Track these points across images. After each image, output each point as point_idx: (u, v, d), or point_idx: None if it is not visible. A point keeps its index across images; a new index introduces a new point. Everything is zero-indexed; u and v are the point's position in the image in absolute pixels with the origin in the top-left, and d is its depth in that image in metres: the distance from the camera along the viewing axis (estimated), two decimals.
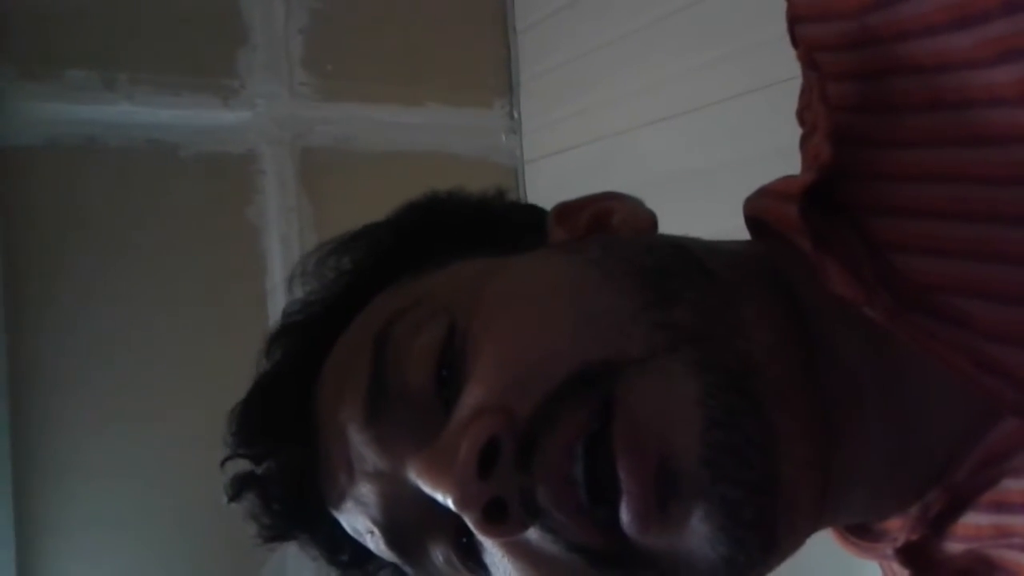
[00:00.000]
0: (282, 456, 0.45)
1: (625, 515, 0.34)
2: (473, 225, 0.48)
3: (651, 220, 0.46)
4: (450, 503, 0.36)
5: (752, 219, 0.45)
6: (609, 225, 0.46)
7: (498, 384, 0.37)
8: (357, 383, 0.41)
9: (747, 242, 0.45)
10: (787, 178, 0.43)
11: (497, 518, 0.35)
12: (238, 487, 0.46)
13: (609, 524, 0.35)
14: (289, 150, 1.85)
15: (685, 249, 0.41)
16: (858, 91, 0.40)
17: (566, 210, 0.48)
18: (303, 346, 0.47)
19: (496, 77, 2.06)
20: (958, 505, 0.40)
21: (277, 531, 0.46)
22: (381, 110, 1.91)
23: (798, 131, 0.45)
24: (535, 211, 0.51)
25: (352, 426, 0.41)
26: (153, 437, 1.66)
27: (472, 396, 0.38)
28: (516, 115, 2.05)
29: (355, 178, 1.86)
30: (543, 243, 0.46)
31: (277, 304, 1.78)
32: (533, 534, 0.36)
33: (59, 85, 1.65)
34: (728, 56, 1.55)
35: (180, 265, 1.73)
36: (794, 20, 0.42)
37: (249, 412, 0.46)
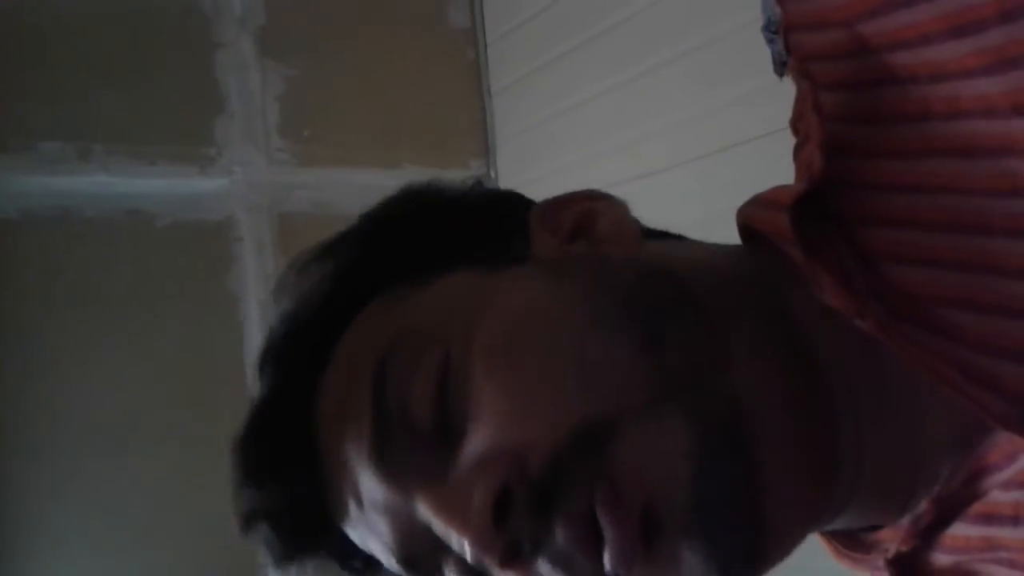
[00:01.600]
0: (288, 487, 0.45)
1: (607, 558, 0.36)
2: (454, 228, 0.47)
3: (638, 232, 0.45)
4: (467, 550, 0.37)
5: (744, 227, 0.45)
6: (594, 231, 0.46)
7: (506, 432, 0.38)
8: (359, 420, 0.41)
9: (737, 250, 0.45)
10: (779, 188, 0.43)
11: (514, 556, 0.37)
12: (248, 521, 0.46)
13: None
14: (267, 216, 1.85)
15: (673, 276, 0.42)
16: (850, 101, 0.40)
17: (548, 211, 0.47)
18: (294, 369, 0.46)
19: (472, 138, 2.08)
20: (947, 516, 0.40)
21: (292, 557, 0.46)
22: (358, 173, 1.92)
23: (792, 133, 0.45)
24: (516, 202, 0.51)
25: (359, 463, 0.41)
26: (130, 510, 1.63)
27: (480, 439, 0.39)
28: (493, 175, 2.06)
29: None
30: (528, 248, 0.45)
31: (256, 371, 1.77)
32: (542, 565, 0.38)
33: (34, 157, 1.65)
34: (706, 113, 1.57)
35: (158, 334, 1.71)
36: (789, 29, 0.42)
37: (250, 445, 0.46)
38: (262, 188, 1.85)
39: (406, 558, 0.42)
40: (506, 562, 0.37)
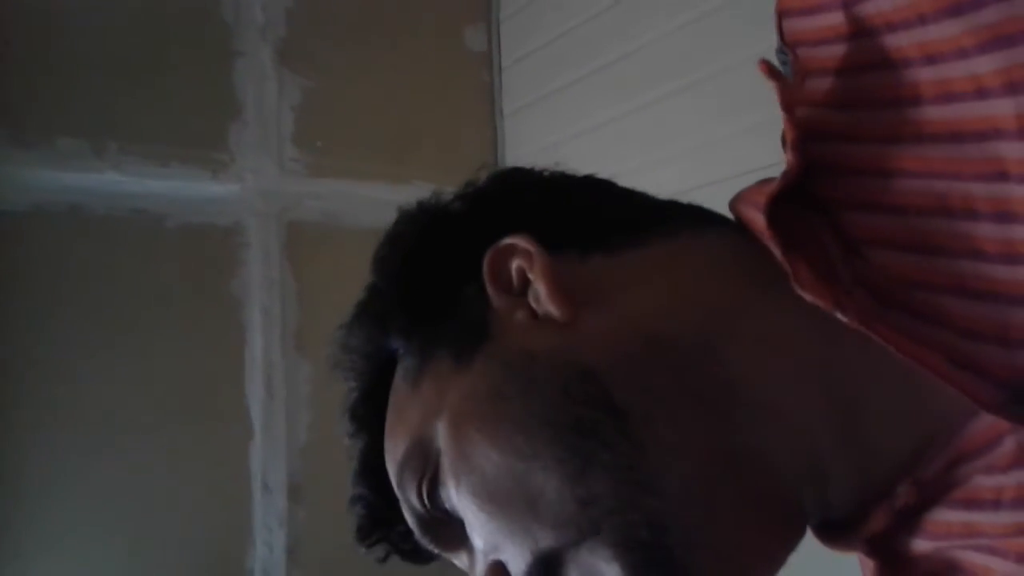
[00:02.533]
0: (394, 534, 0.52)
1: None
2: (434, 288, 0.49)
3: (567, 299, 0.43)
4: None
5: (736, 217, 0.46)
6: (532, 294, 0.45)
7: (487, 546, 0.44)
8: (408, 514, 0.48)
9: (715, 242, 0.45)
10: (761, 184, 0.43)
11: None
12: (385, 556, 0.53)
13: None
14: (275, 223, 1.86)
15: (592, 380, 0.42)
16: (842, 87, 0.40)
17: (492, 268, 0.46)
18: (367, 443, 0.52)
19: (482, 158, 2.10)
20: (929, 500, 0.40)
21: (419, 561, 0.53)
22: (368, 187, 1.94)
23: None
24: (509, 190, 0.52)
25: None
26: (126, 508, 1.63)
27: (475, 541, 0.44)
28: None
29: (340, 253, 1.87)
30: (487, 310, 0.46)
31: (255, 375, 1.78)
32: None
33: (48, 152, 1.67)
34: (716, 141, 1.58)
35: (161, 335, 1.72)
36: (782, 14, 0.42)
37: (358, 513, 0.53)
38: (272, 196, 1.86)
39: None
40: None
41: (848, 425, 0.41)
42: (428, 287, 0.48)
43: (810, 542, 0.44)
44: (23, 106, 1.66)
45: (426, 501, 0.46)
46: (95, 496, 1.62)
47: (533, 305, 0.44)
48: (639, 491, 0.40)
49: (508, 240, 0.46)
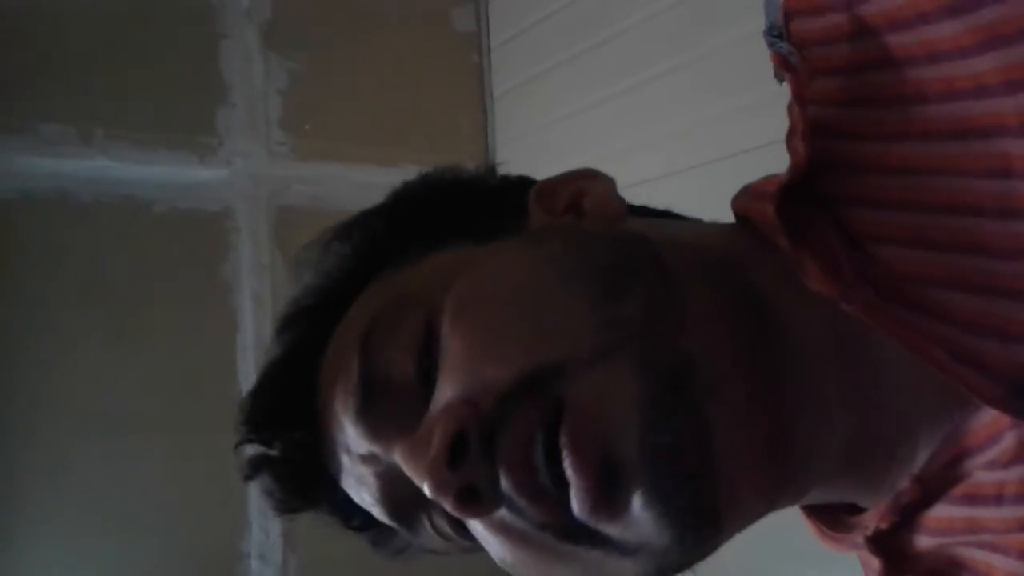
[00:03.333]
0: (289, 439, 0.48)
1: (575, 505, 0.37)
2: (462, 209, 0.50)
3: (621, 207, 0.47)
4: (426, 489, 0.39)
5: (738, 216, 0.46)
6: (582, 208, 0.48)
7: (463, 380, 0.40)
8: (348, 381, 0.44)
9: (727, 229, 0.46)
10: (768, 177, 0.44)
11: (469, 501, 0.38)
12: (253, 469, 0.49)
13: (568, 506, 0.37)
14: (264, 208, 1.85)
15: (645, 242, 0.43)
16: (846, 85, 0.40)
17: (544, 190, 0.50)
18: (304, 336, 0.50)
19: (473, 140, 2.09)
20: (930, 496, 0.40)
21: (291, 505, 0.49)
22: (357, 170, 1.93)
23: (788, 118, 0.46)
24: (525, 186, 0.52)
25: (346, 418, 0.44)
26: (120, 495, 1.63)
27: (443, 391, 0.41)
28: None
29: None
30: (523, 225, 0.48)
31: (248, 361, 1.77)
32: (505, 513, 0.39)
33: (35, 138, 1.65)
34: (707, 121, 1.58)
35: (151, 320, 1.71)
36: (789, 15, 0.42)
37: (258, 400, 0.49)
38: (261, 180, 1.85)
39: (393, 511, 0.44)
40: (459, 505, 0.38)
41: (856, 392, 0.41)
42: (459, 196, 0.51)
43: (809, 544, 0.43)
44: (7, 92, 1.64)
45: (394, 352, 0.43)
46: (87, 482, 1.62)
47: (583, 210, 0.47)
48: (672, 326, 0.38)
49: (568, 172, 0.50)
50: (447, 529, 0.44)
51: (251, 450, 0.49)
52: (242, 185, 1.84)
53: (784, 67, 0.42)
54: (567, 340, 0.39)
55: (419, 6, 2.07)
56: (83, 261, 1.68)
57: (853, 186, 0.41)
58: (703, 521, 0.37)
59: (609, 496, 0.36)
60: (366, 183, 1.93)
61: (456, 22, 2.12)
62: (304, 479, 0.48)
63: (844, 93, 0.41)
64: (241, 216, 1.83)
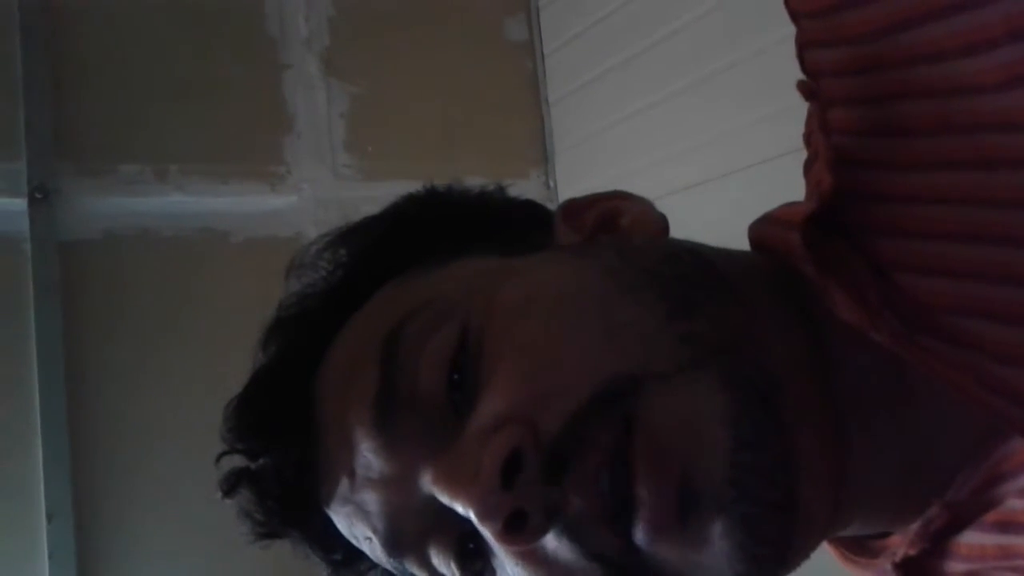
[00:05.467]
0: (278, 453, 0.44)
1: (639, 526, 0.34)
2: (474, 219, 0.48)
3: (662, 223, 0.45)
4: (471, 514, 0.35)
5: (756, 244, 0.45)
6: (617, 226, 0.46)
7: (521, 396, 0.37)
8: (365, 386, 0.40)
9: (757, 256, 0.45)
10: (791, 205, 0.43)
11: (517, 528, 0.35)
12: (232, 483, 0.45)
13: (627, 533, 0.35)
14: None
15: (703, 257, 0.41)
16: (867, 115, 0.40)
17: (573, 208, 0.47)
18: (301, 340, 0.46)
19: (531, 148, 2.11)
20: (961, 523, 0.40)
21: (270, 528, 0.45)
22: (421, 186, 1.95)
23: (805, 148, 0.46)
24: (536, 207, 0.50)
25: (359, 431, 0.40)
26: (205, 518, 1.68)
27: (492, 405, 0.37)
28: (552, 184, 2.09)
29: None
30: (549, 242, 0.46)
31: None
32: (550, 541, 0.36)
33: (114, 179, 1.72)
34: (761, 120, 1.57)
35: (234, 348, 1.75)
36: (804, 46, 0.42)
37: (245, 408, 0.46)
38: (330, 203, 1.90)
39: (393, 539, 0.40)
40: (508, 532, 0.35)
41: (898, 424, 0.40)
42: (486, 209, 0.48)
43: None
44: (84, 137, 1.71)
45: (421, 361, 0.39)
46: (180, 508, 1.67)
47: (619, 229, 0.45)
48: (749, 341, 0.37)
49: (598, 193, 0.47)
50: (448, 569, 0.40)
51: (233, 464, 0.45)
52: (312, 210, 1.88)
53: (808, 95, 0.41)
54: (643, 353, 0.36)
55: (472, 19, 2.09)
56: (168, 295, 1.74)
57: (878, 215, 0.40)
58: (777, 556, 0.35)
59: (684, 518, 0.34)
60: None
61: (509, 32, 2.14)
62: (289, 499, 0.44)
63: (866, 123, 0.40)
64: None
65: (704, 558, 0.35)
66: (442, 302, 0.41)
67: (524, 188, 2.15)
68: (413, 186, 1.89)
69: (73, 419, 1.61)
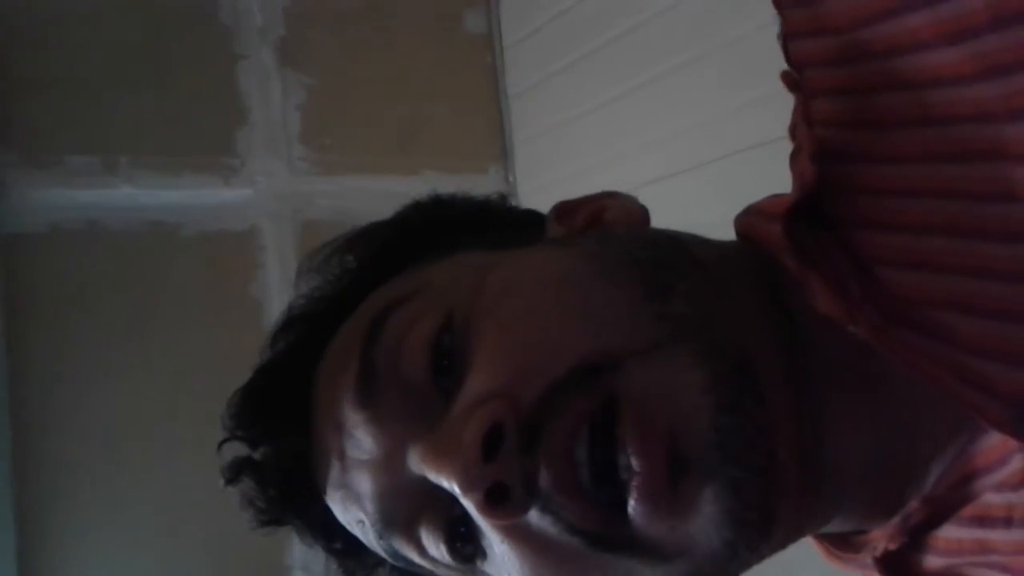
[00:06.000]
0: (278, 441, 0.46)
1: (634, 496, 0.35)
2: (474, 221, 0.49)
3: (643, 214, 0.48)
4: (454, 487, 0.36)
5: (742, 236, 0.46)
6: (604, 222, 0.48)
7: (502, 372, 0.38)
8: (349, 363, 0.42)
9: (732, 243, 0.46)
10: (774, 197, 0.44)
11: (498, 501, 0.36)
12: (235, 471, 0.46)
13: (610, 507, 0.36)
14: (290, 224, 1.87)
15: (678, 241, 0.43)
16: (848, 107, 0.40)
17: (565, 208, 0.49)
18: (305, 336, 0.48)
19: (490, 142, 2.09)
20: (939, 517, 0.40)
21: (272, 516, 0.47)
22: (378, 181, 1.94)
23: (789, 140, 0.46)
24: (533, 214, 0.52)
25: (345, 406, 0.41)
26: (156, 510, 1.65)
27: (476, 383, 0.38)
28: (511, 179, 2.08)
29: None
30: (540, 239, 0.48)
31: None
32: (533, 517, 0.37)
33: (61, 171, 1.68)
34: (723, 115, 1.57)
35: (184, 343, 1.73)
36: (788, 36, 0.42)
37: (248, 397, 0.48)
38: (285, 197, 1.87)
39: (383, 520, 0.41)
40: (489, 505, 0.36)
41: (872, 413, 0.41)
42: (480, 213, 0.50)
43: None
44: (31, 127, 1.67)
45: (406, 341, 0.40)
46: (127, 503, 1.64)
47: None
48: (722, 320, 0.38)
49: (589, 194, 0.49)
50: (445, 551, 0.41)
51: (238, 452, 0.47)
52: (266, 204, 1.85)
53: (792, 87, 0.42)
54: (621, 331, 0.37)
55: (430, 11, 2.07)
56: (116, 288, 1.70)
57: (858, 208, 0.40)
58: (760, 523, 0.36)
59: (674, 484, 0.35)
60: (388, 192, 1.92)
61: (468, 24, 2.12)
62: (290, 487, 0.45)
63: (846, 114, 0.40)
64: (267, 234, 1.84)
65: (693, 526, 0.36)
66: (429, 290, 0.42)
67: (483, 183, 2.15)
68: (370, 181, 1.88)
69: (15, 417, 1.56)
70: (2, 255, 1.61)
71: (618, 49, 1.80)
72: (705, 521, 0.36)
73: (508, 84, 2.11)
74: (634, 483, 0.35)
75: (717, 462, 0.35)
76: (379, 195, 1.92)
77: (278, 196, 1.86)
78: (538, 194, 2.01)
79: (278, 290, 1.83)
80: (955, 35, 0.34)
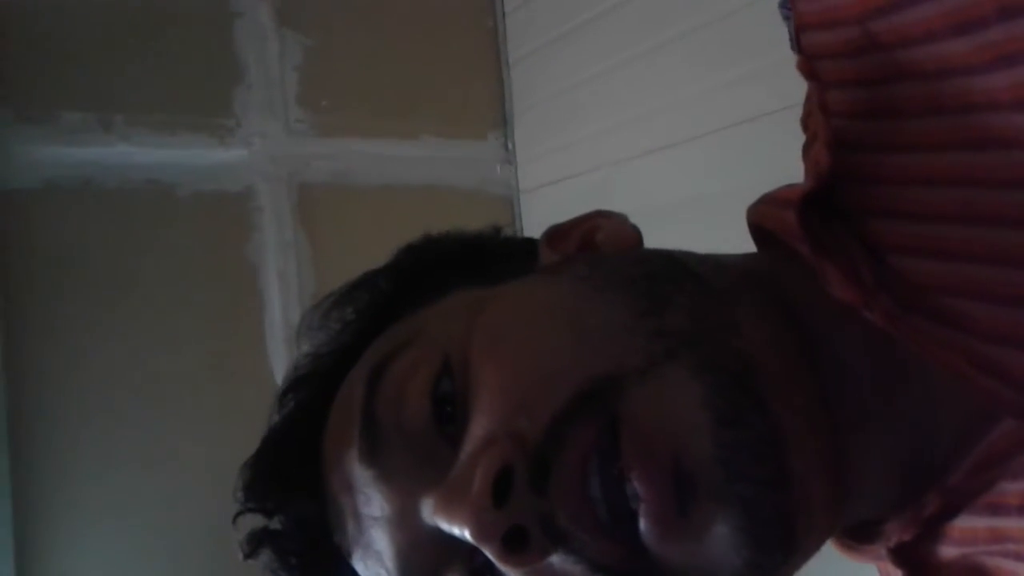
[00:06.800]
0: (293, 510, 0.45)
1: (644, 524, 0.34)
2: (468, 261, 0.49)
3: (635, 235, 0.47)
4: (467, 536, 0.35)
5: (755, 226, 0.46)
6: (596, 243, 0.47)
7: (504, 410, 0.37)
8: (352, 420, 0.41)
9: (741, 255, 0.46)
10: (788, 186, 0.44)
11: (518, 547, 0.35)
12: (253, 544, 0.46)
13: (630, 539, 0.35)
14: (286, 186, 1.86)
15: (671, 256, 0.43)
16: (861, 97, 0.40)
17: (556, 233, 0.49)
18: (310, 398, 0.47)
19: (490, 109, 2.08)
20: (954, 507, 0.40)
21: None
22: (376, 144, 1.92)
23: (795, 161, 0.46)
24: (528, 243, 0.51)
25: (352, 464, 0.41)
26: (152, 473, 1.66)
27: (479, 426, 0.38)
28: (510, 146, 2.06)
29: (351, 212, 1.87)
30: (533, 268, 0.47)
31: (276, 339, 1.79)
32: (555, 559, 0.36)
33: (56, 128, 1.66)
34: (723, 86, 1.56)
35: (179, 303, 1.73)
36: (800, 29, 0.42)
37: (258, 467, 0.47)
38: (281, 159, 1.86)
39: (406, 575, 0.40)
40: (508, 552, 0.35)
41: (891, 407, 0.40)
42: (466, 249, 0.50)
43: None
44: (25, 83, 1.65)
45: (407, 391, 0.40)
46: (118, 467, 1.64)
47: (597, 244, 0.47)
48: (724, 330, 0.37)
49: (579, 216, 0.48)
50: None
51: (255, 523, 0.46)
52: (262, 165, 1.84)
53: (808, 76, 0.42)
54: (615, 351, 0.37)
55: None
56: (109, 247, 1.69)
57: (872, 197, 0.40)
58: (781, 539, 0.35)
59: (683, 508, 0.34)
60: (385, 156, 1.92)
61: None
62: (309, 553, 0.45)
63: (860, 105, 0.40)
64: (263, 195, 1.83)
65: (709, 550, 0.35)
66: (425, 337, 0.42)
67: (482, 150, 2.13)
68: (368, 144, 1.87)
69: (9, 374, 1.56)
70: None
71: (620, 17, 1.78)
72: (721, 543, 0.35)
73: (509, 50, 2.09)
74: (641, 510, 0.34)
75: (723, 480, 0.34)
76: (377, 159, 1.91)
77: (274, 158, 1.85)
78: (537, 161, 2.00)
79: (274, 252, 1.82)
80: (964, 26, 0.34)
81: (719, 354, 0.36)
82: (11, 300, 1.59)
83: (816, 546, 0.39)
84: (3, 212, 1.61)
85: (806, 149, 0.44)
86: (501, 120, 2.08)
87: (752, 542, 0.35)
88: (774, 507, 0.35)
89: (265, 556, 0.46)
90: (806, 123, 0.45)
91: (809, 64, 0.42)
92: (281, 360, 1.79)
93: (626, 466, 0.34)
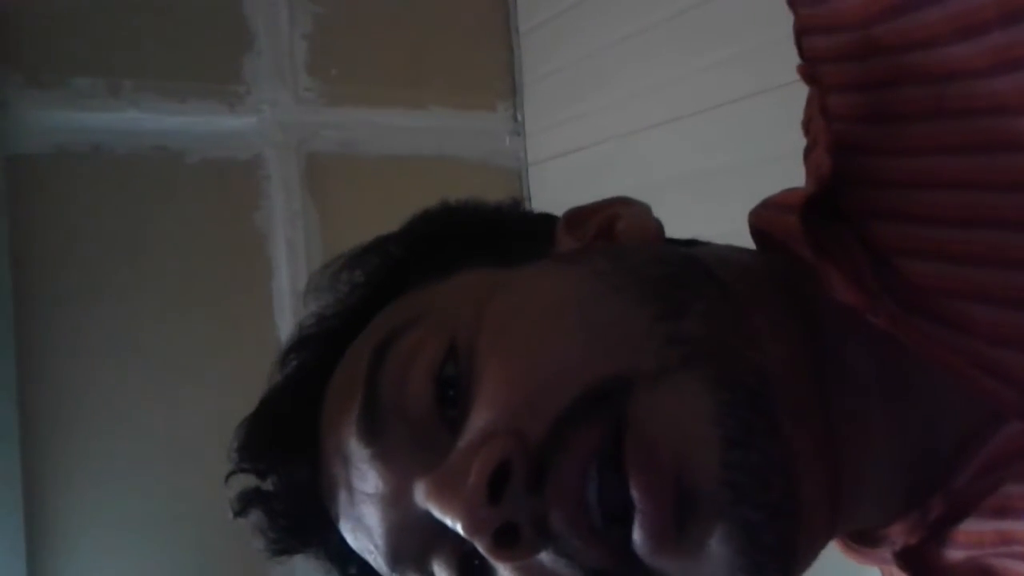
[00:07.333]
0: (286, 471, 0.45)
1: (638, 535, 0.34)
2: (484, 234, 0.48)
3: (657, 228, 0.46)
4: (459, 528, 0.35)
5: (756, 230, 0.45)
6: (616, 233, 0.46)
7: (508, 405, 0.37)
8: (353, 394, 0.41)
9: (755, 252, 0.46)
10: (790, 190, 0.44)
11: (508, 543, 0.35)
12: (244, 503, 0.46)
13: (623, 546, 0.34)
14: (294, 155, 1.85)
15: (694, 259, 0.42)
16: (863, 101, 0.40)
17: (575, 217, 0.47)
18: (312, 360, 0.47)
19: (500, 80, 2.07)
20: (960, 511, 0.40)
21: (284, 545, 0.46)
22: (385, 114, 1.92)
23: (803, 135, 0.46)
24: (548, 219, 0.50)
25: (350, 440, 0.41)
26: (161, 440, 1.67)
27: (481, 417, 0.37)
28: (519, 118, 2.05)
29: (360, 182, 1.87)
30: (549, 251, 0.46)
31: (284, 308, 1.79)
32: (546, 558, 0.36)
33: (65, 93, 1.66)
34: (733, 58, 1.55)
35: (187, 270, 1.73)
36: (801, 32, 0.42)
37: (255, 426, 0.46)
38: (290, 127, 1.85)
39: (393, 555, 0.40)
40: (498, 547, 0.34)
41: (898, 416, 0.40)
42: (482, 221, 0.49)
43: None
44: (35, 48, 1.65)
45: (410, 373, 0.39)
46: (130, 431, 1.66)
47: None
48: (742, 342, 0.37)
49: (600, 200, 0.47)
50: None
51: (245, 482, 0.46)
52: (271, 132, 1.84)
53: (809, 80, 0.42)
54: (628, 353, 0.36)
55: None
56: (119, 213, 1.69)
57: (875, 200, 0.40)
58: (781, 564, 0.35)
59: (680, 524, 0.34)
60: (394, 126, 1.92)
61: None
62: (300, 517, 0.44)
63: (861, 109, 0.40)
64: (271, 163, 1.83)
65: (705, 567, 0.34)
66: (433, 316, 0.41)
67: (491, 121, 2.12)
68: (376, 114, 1.86)
69: (20, 339, 1.57)
70: (6, 175, 1.60)
71: None
72: (719, 563, 0.34)
73: (519, 19, 2.08)
74: (637, 520, 0.34)
75: (728, 502, 0.34)
76: (386, 128, 1.90)
77: (283, 126, 1.85)
78: (546, 133, 1.99)
79: (282, 222, 1.82)
80: (966, 30, 0.34)
81: (735, 368, 0.36)
82: (20, 263, 1.59)
83: (811, 564, 0.38)
84: (11, 177, 1.61)
85: (807, 153, 0.44)
86: (511, 91, 2.07)
87: (752, 566, 0.34)
88: (778, 533, 0.34)
89: (254, 515, 0.45)
90: (807, 127, 0.45)
91: (809, 70, 0.42)
92: (288, 326, 1.79)
93: (628, 471, 0.34)
